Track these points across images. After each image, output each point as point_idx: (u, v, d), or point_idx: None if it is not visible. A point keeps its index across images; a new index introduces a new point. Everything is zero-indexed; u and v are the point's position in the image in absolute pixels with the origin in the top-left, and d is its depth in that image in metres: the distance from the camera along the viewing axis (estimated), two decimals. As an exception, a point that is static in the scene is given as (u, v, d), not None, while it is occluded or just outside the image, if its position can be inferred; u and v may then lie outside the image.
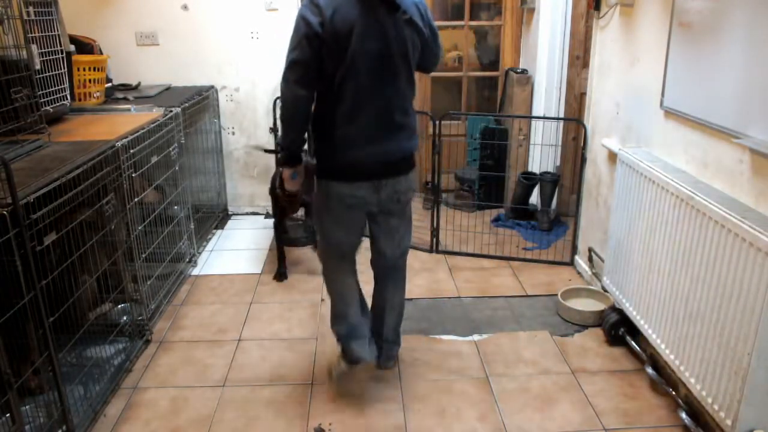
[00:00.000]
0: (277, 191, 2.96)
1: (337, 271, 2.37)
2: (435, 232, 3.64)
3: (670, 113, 2.37)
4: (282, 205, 3.15)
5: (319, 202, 2.26)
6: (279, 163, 2.86)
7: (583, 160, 3.26)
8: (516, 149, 4.15)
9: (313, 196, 2.31)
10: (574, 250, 3.41)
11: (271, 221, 4.05)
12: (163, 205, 3.01)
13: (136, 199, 2.62)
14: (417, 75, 2.24)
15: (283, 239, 3.38)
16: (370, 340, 2.42)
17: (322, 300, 3.08)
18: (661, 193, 2.24)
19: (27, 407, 2.08)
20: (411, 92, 2.18)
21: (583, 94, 3.76)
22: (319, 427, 2.18)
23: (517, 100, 4.09)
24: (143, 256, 2.71)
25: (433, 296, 3.10)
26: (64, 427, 2.00)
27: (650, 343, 2.34)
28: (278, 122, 2.15)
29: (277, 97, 3.94)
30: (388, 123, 2.12)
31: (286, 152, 2.15)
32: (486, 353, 2.61)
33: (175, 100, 3.35)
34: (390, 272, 2.42)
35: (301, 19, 1.98)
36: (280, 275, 3.33)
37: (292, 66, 2.00)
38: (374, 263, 2.43)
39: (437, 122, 3.46)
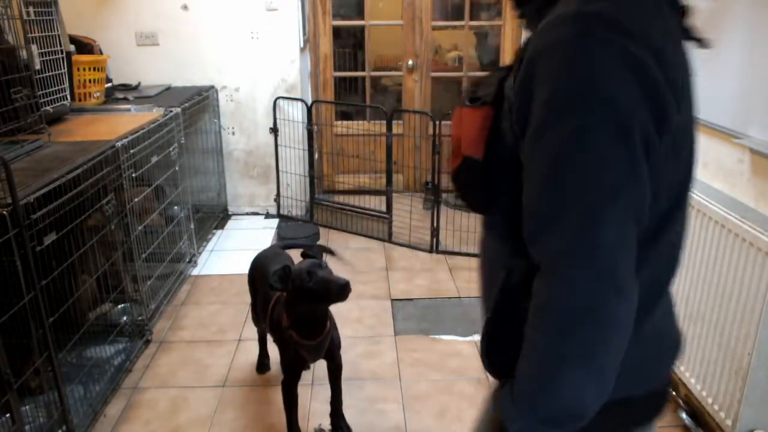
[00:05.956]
0: (292, 338, 1.96)
1: None
2: (435, 232, 3.64)
3: (670, 113, 2.36)
4: (300, 356, 2.03)
5: None
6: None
7: (583, 160, 3.26)
8: (516, 149, 4.14)
9: None
10: (574, 250, 3.41)
11: (270, 221, 4.08)
12: (163, 206, 3.01)
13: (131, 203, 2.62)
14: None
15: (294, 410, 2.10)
16: None
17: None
18: (661, 193, 2.23)
19: (27, 407, 2.08)
20: None
21: (583, 94, 3.76)
22: (319, 427, 2.18)
23: (517, 100, 4.09)
24: (143, 256, 2.71)
25: (433, 296, 3.10)
26: (64, 427, 2.00)
27: (650, 343, 2.33)
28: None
29: (278, 98, 3.96)
30: None
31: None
32: (486, 353, 2.61)
33: (175, 100, 3.35)
34: None
35: None
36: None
37: None
38: None
39: (437, 122, 3.45)
